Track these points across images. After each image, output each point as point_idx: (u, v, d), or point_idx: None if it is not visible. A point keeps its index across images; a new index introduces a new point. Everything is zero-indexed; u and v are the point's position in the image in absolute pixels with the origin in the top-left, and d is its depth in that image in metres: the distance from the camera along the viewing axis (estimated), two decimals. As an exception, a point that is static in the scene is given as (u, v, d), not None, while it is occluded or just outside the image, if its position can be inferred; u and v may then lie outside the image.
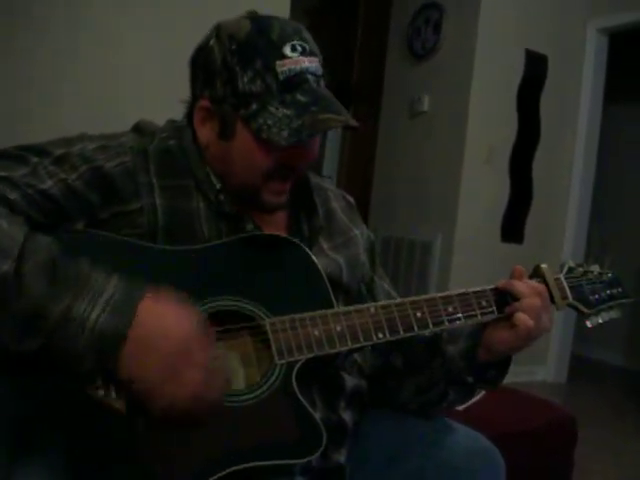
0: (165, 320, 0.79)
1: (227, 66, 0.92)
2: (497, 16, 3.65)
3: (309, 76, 0.94)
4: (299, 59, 0.93)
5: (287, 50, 0.92)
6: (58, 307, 0.75)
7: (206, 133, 0.97)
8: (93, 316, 0.75)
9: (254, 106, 0.92)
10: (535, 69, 3.83)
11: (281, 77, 0.91)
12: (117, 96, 2.37)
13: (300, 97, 0.92)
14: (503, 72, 3.72)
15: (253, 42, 0.92)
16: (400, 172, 4.07)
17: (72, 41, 2.32)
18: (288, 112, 0.91)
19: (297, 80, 0.93)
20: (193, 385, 0.78)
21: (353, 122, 0.94)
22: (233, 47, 0.92)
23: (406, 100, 4.01)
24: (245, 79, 0.91)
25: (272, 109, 0.91)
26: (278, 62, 0.91)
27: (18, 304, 0.74)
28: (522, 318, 0.96)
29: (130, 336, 0.76)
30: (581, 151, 4.04)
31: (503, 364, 1.04)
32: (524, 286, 0.99)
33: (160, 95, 2.28)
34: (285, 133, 0.90)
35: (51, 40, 2.28)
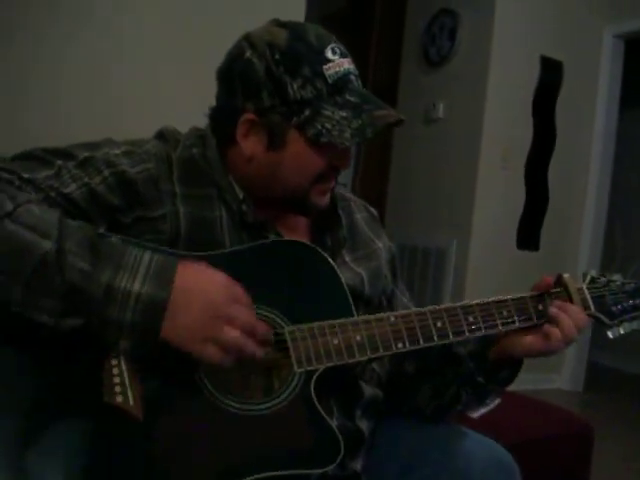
0: (202, 281, 0.82)
1: (273, 76, 0.92)
2: (512, 22, 3.64)
3: (352, 77, 0.95)
4: (341, 61, 0.94)
5: (329, 53, 0.93)
6: (101, 282, 0.77)
7: (251, 146, 0.96)
8: (136, 287, 0.77)
9: (307, 112, 0.92)
10: (550, 75, 3.81)
11: (330, 80, 0.92)
12: (119, 97, 2.35)
13: (350, 98, 0.94)
14: (518, 78, 3.71)
15: (295, 49, 0.92)
16: (415, 179, 4.06)
17: (71, 42, 2.30)
18: (344, 114, 0.92)
19: (343, 82, 0.94)
20: (237, 333, 0.81)
21: (403, 116, 0.96)
22: (276, 56, 0.92)
23: (421, 107, 4.00)
24: (295, 86, 0.91)
25: (327, 113, 0.92)
26: (324, 66, 0.92)
27: (61, 283, 0.76)
28: (557, 337, 0.97)
29: (172, 301, 0.78)
30: (597, 157, 4.02)
31: (515, 364, 1.04)
32: (568, 321, 0.98)
33: (160, 96, 2.29)
34: (347, 134, 0.91)
35: (50, 40, 2.27)
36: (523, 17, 3.67)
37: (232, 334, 0.81)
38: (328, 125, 0.91)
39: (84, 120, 2.19)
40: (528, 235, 3.82)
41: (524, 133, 3.77)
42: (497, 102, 3.63)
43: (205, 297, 0.81)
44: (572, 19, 3.86)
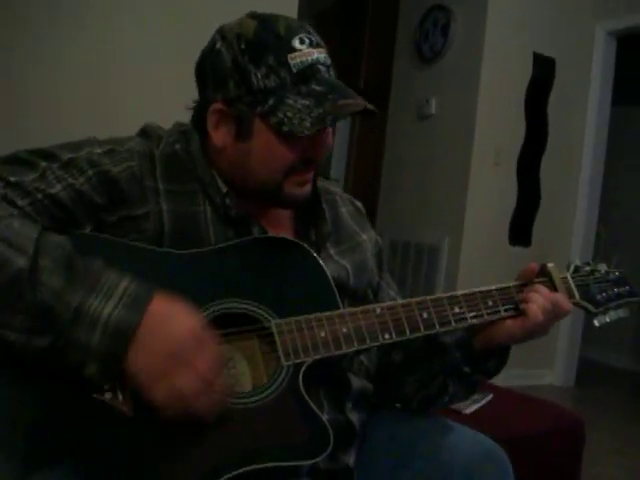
0: (174, 319, 0.80)
1: (239, 66, 0.92)
2: (505, 19, 3.65)
3: (320, 66, 0.94)
4: (309, 51, 0.93)
5: (296, 43, 0.92)
6: (72, 302, 0.76)
7: (221, 136, 0.96)
8: (107, 311, 0.76)
9: (271, 101, 0.91)
10: (543, 72, 3.82)
11: (294, 70, 0.92)
12: (117, 96, 2.37)
13: (315, 87, 0.93)
14: (511, 75, 3.72)
15: (262, 39, 0.92)
16: (408, 175, 4.06)
17: (72, 42, 2.31)
18: (307, 102, 0.91)
19: (310, 71, 0.93)
20: (192, 381, 0.78)
21: (371, 106, 0.94)
22: (242, 46, 0.92)
23: (414, 103, 4.01)
24: (259, 76, 0.91)
25: (290, 101, 0.91)
26: (290, 55, 0.91)
27: (31, 300, 0.75)
28: (533, 310, 0.97)
29: (140, 331, 0.77)
30: (589, 153, 4.04)
31: (502, 353, 1.05)
32: (540, 297, 1.00)
33: (160, 96, 2.30)
34: (307, 123, 0.90)
35: (50, 40, 2.28)
36: (516, 13, 3.68)
37: (185, 383, 0.78)
38: (289, 114, 0.90)
39: (84, 120, 2.19)
40: (520, 231, 3.83)
41: (516, 129, 3.78)
42: (490, 98, 3.64)
43: (172, 334, 0.79)
44: (565, 16, 3.87)
